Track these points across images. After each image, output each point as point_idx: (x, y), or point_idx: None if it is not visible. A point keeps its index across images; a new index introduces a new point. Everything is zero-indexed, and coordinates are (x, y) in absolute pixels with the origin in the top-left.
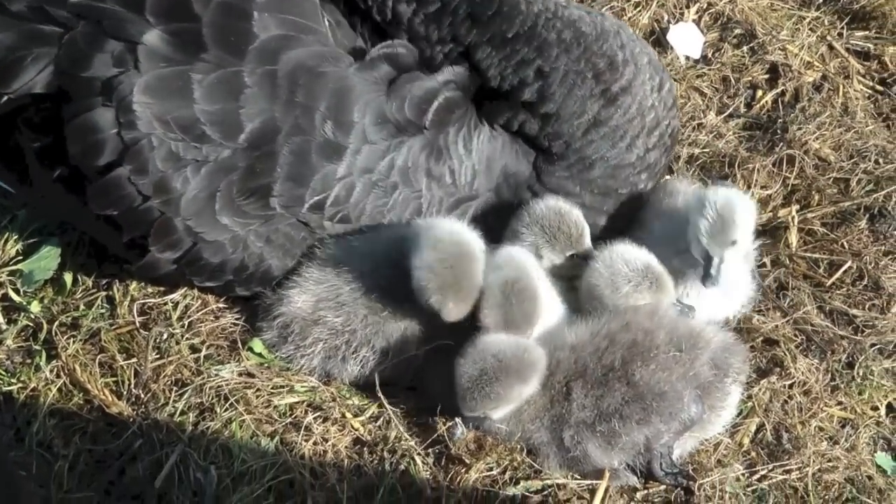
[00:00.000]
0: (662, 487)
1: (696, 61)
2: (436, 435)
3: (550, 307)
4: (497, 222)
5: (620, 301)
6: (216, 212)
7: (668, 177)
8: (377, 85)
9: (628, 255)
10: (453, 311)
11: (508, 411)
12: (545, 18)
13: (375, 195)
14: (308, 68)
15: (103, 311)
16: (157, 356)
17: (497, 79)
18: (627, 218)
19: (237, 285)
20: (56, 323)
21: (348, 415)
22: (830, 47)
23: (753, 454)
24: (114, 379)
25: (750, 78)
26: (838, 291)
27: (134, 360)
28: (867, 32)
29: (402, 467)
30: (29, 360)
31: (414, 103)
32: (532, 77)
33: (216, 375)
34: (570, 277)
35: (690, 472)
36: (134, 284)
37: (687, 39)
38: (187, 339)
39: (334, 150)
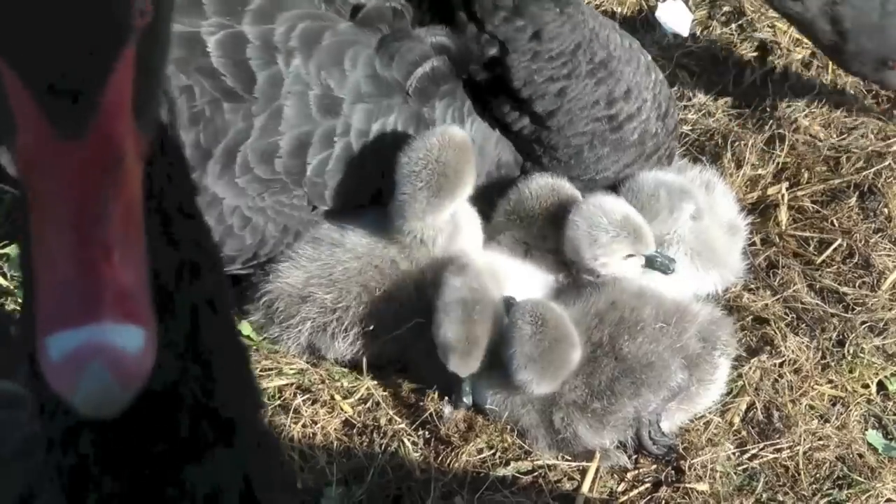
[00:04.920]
0: (653, 468)
1: (685, 39)
2: (426, 415)
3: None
4: (483, 203)
5: (599, 253)
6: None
7: None
8: (369, 39)
9: (607, 206)
10: None
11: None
12: (588, 40)
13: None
14: (303, 21)
15: None
16: None
17: (521, 82)
18: None
19: (231, 263)
20: None
21: (337, 397)
22: None
23: (744, 433)
24: None
25: (739, 55)
26: (828, 269)
27: None
28: None
29: (391, 449)
30: None
31: (402, 63)
32: (553, 94)
33: None
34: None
35: (680, 449)
36: None
37: (675, 17)
38: None
39: (332, 102)
